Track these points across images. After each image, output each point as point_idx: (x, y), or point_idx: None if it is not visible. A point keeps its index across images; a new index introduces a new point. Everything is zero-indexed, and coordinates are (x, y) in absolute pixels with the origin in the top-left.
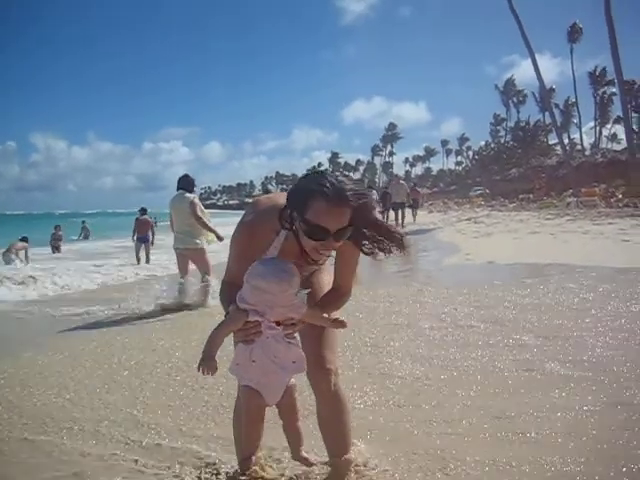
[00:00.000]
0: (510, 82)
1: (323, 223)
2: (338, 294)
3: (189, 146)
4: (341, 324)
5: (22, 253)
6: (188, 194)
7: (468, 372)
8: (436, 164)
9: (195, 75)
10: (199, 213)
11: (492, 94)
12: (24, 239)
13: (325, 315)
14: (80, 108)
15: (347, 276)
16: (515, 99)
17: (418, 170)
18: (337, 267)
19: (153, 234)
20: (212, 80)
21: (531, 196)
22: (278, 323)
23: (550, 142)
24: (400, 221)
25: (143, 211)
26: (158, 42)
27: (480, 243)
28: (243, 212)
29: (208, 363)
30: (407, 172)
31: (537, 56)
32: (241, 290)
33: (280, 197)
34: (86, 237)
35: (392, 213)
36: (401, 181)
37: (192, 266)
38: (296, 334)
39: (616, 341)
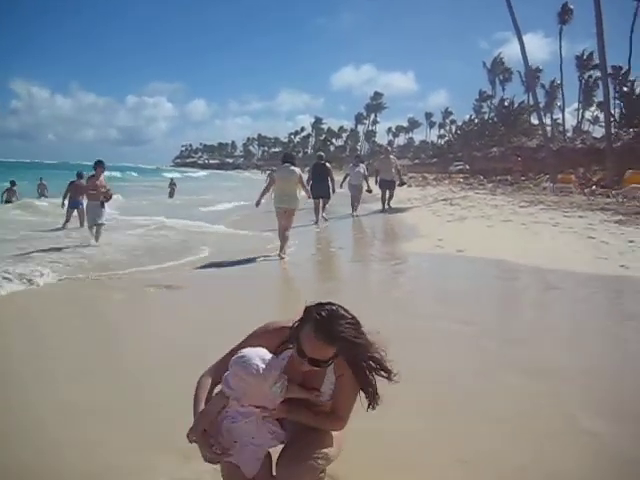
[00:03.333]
0: (497, 60)
1: (303, 346)
2: (328, 416)
3: (173, 102)
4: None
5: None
6: (294, 167)
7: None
8: (419, 135)
9: (184, 32)
10: (305, 182)
11: (481, 71)
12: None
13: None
14: (64, 56)
15: (339, 403)
16: (501, 76)
17: (400, 140)
18: (334, 391)
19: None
20: (202, 38)
21: (509, 177)
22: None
23: (534, 122)
24: (387, 201)
25: (79, 176)
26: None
27: (453, 228)
28: (224, 171)
29: (195, 434)
30: (390, 142)
31: (530, 34)
32: (227, 372)
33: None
34: (42, 194)
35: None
36: (391, 156)
37: None
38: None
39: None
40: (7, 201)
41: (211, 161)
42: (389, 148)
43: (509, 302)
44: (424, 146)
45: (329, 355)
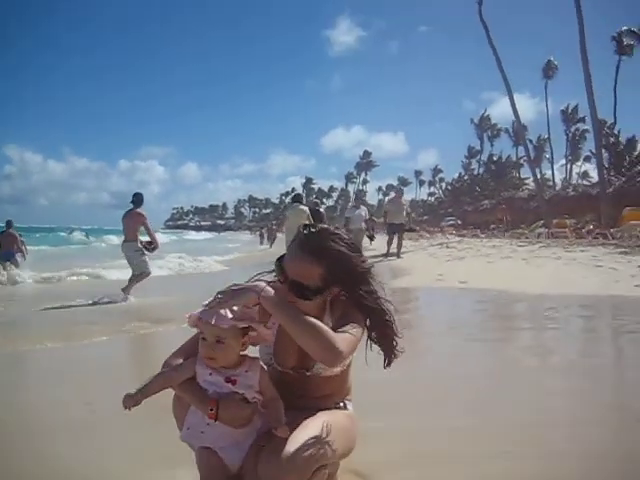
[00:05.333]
0: (485, 116)
1: (286, 268)
2: (329, 335)
3: (165, 165)
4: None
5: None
6: (302, 206)
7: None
8: (409, 194)
9: (175, 95)
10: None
11: (468, 128)
12: None
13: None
14: (57, 123)
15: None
16: (490, 132)
17: None
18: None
19: (22, 250)
20: (192, 100)
21: (500, 226)
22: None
23: (522, 176)
24: (397, 248)
25: (8, 224)
26: (138, 63)
27: (452, 266)
28: (218, 233)
29: (136, 399)
30: (380, 201)
31: (516, 95)
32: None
33: None
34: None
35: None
36: (402, 199)
37: None
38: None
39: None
40: None
41: (203, 223)
42: (402, 188)
43: (520, 321)
44: (414, 204)
45: (315, 276)
